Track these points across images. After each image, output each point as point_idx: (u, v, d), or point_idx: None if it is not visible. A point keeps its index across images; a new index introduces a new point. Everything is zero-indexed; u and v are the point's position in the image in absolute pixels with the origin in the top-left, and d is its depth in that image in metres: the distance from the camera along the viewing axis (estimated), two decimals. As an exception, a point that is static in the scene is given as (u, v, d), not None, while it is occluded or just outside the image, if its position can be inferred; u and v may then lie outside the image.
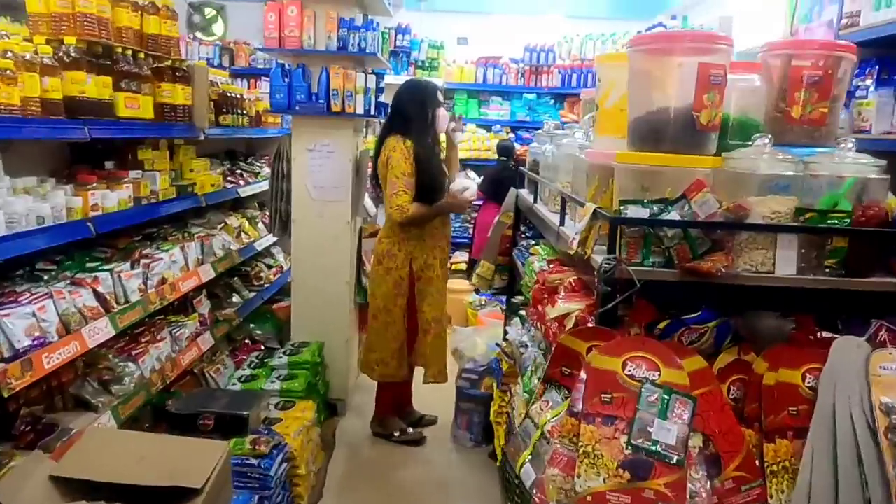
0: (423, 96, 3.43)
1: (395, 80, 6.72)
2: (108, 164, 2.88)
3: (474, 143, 6.67)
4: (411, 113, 3.39)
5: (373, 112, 3.66)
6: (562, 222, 2.09)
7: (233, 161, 4.53)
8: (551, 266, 2.22)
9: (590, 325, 1.52)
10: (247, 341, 4.21)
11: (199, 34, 7.07)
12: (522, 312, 2.98)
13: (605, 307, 1.41)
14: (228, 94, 3.94)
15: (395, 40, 6.72)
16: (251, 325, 4.34)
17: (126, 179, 2.80)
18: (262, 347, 4.22)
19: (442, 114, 3.50)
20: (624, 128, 1.65)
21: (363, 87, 3.57)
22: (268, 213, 3.99)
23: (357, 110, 3.58)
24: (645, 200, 1.44)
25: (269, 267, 4.70)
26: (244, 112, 4.15)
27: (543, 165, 2.71)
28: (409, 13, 6.97)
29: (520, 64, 6.77)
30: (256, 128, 4.50)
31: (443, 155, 3.66)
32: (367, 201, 4.14)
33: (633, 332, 1.44)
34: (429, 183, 3.36)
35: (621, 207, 1.44)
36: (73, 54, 2.39)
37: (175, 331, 3.13)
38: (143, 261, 2.81)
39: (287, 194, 3.78)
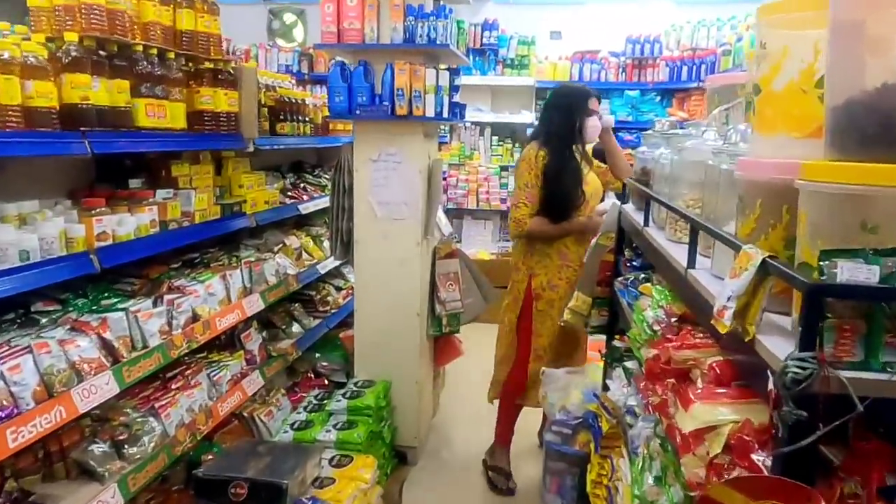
0: (570, 103, 3.12)
1: (481, 80, 6.20)
2: (134, 183, 2.48)
3: (569, 147, 6.00)
4: (554, 120, 3.12)
5: (445, 114, 3.11)
6: (691, 263, 1.45)
7: (298, 173, 4.12)
8: (673, 322, 1.57)
9: (759, 461, 0.88)
10: (310, 374, 3.76)
11: (279, 41, 6.82)
12: (629, 365, 2.32)
13: (796, 444, 0.77)
14: (287, 100, 3.51)
15: (482, 37, 6.16)
16: (316, 355, 3.89)
17: (149, 201, 2.39)
18: (326, 382, 3.76)
19: (592, 124, 3.12)
20: (811, 121, 1.00)
21: (433, 86, 3.03)
22: (329, 232, 3.53)
23: (426, 113, 3.04)
24: (869, 251, 0.79)
25: (339, 289, 4.24)
26: (307, 119, 3.72)
27: (658, 176, 2.06)
28: (497, 7, 6.39)
29: (621, 58, 6.03)
30: (323, 136, 4.07)
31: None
32: (441, 217, 3.59)
33: (849, 489, 0.79)
34: (558, 199, 3.06)
35: (823, 263, 0.80)
36: (73, 53, 1.99)
37: (214, 373, 2.70)
38: (168, 296, 2.39)
39: (349, 211, 3.29)
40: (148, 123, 2.29)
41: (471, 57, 6.18)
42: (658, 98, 5.97)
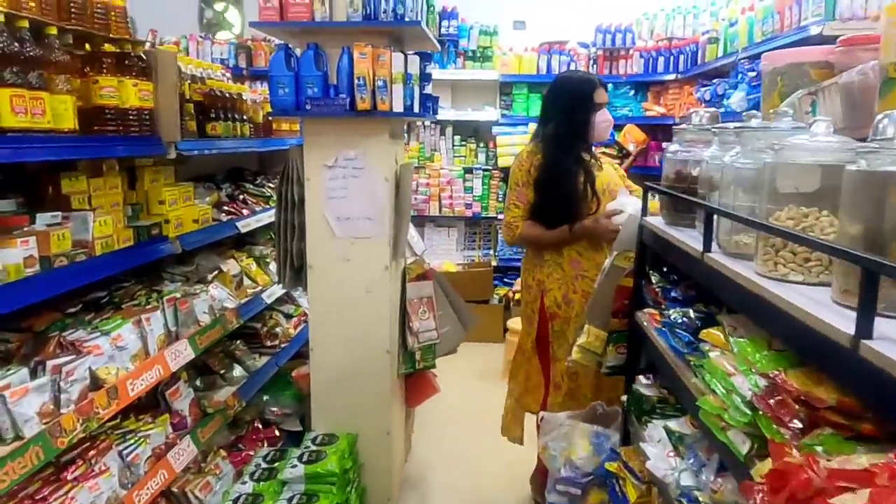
0: (571, 96, 2.71)
1: (440, 74, 5.62)
2: (2, 205, 1.82)
3: (537, 146, 5.51)
4: (554, 116, 2.74)
5: (416, 109, 2.54)
6: (864, 330, 0.92)
7: (236, 183, 3.47)
8: (799, 412, 1.04)
9: None
10: (257, 424, 3.13)
11: (220, 34, 6.09)
12: (675, 427, 1.80)
13: None
14: (219, 94, 2.87)
15: (440, 27, 5.61)
16: (264, 398, 3.27)
17: (23, 230, 1.74)
18: (277, 432, 3.14)
19: (602, 119, 2.74)
20: None
21: (401, 74, 2.45)
22: (274, 255, 2.90)
23: (394, 107, 2.46)
24: None
25: (288, 317, 3.62)
26: (245, 117, 3.08)
27: (723, 184, 1.53)
28: (455, -5, 5.85)
29: (591, 49, 5.58)
30: (266, 138, 3.44)
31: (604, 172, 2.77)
32: (413, 234, 3.01)
33: None
34: (553, 205, 2.69)
35: None
36: None
37: (129, 450, 2.06)
38: (53, 360, 1.74)
39: (300, 230, 2.68)
40: (16, 123, 1.64)
41: (428, 49, 5.61)
42: (632, 92, 5.54)
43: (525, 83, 5.68)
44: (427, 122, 5.76)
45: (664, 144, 5.28)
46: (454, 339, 3.16)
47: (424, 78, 2.60)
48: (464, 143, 5.84)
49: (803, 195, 1.28)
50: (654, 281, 2.07)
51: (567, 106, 2.68)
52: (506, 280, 5.78)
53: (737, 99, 3.54)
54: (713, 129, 1.72)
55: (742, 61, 3.64)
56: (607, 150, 4.86)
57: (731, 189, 1.49)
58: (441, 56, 5.69)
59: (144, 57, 2.24)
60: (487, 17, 5.75)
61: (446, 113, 5.70)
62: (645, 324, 2.04)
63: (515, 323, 4.66)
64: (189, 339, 2.35)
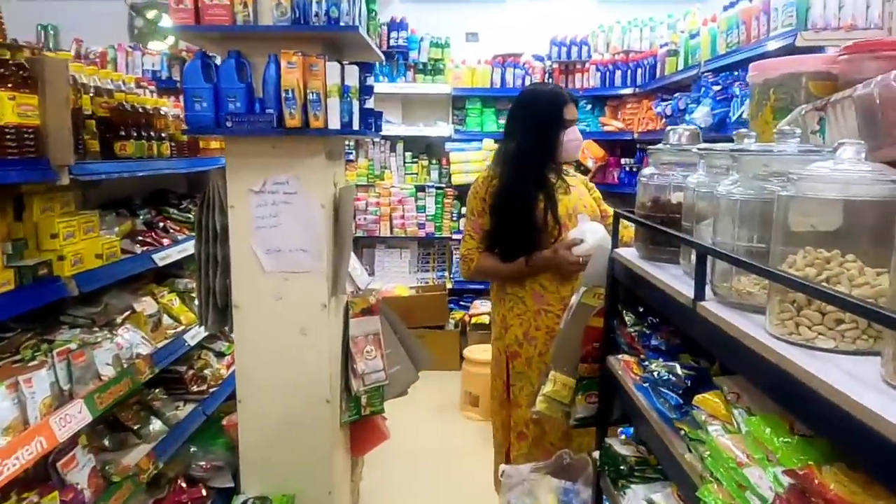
0: (539, 111, 2.46)
1: (390, 88, 5.35)
2: None
3: (493, 162, 5.26)
4: (517, 133, 2.47)
5: (356, 126, 2.23)
6: None
7: (159, 208, 3.10)
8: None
9: None
10: (181, 483, 2.74)
11: (151, 44, 5.67)
12: (658, 500, 1.53)
13: None
14: (130, 108, 2.51)
15: (389, 38, 5.33)
16: (192, 449, 2.88)
17: None
18: (204, 492, 2.76)
19: (571, 137, 2.48)
20: None
21: (337, 86, 2.15)
22: (196, 294, 2.55)
23: (330, 124, 2.15)
24: None
25: (220, 356, 3.25)
26: (163, 135, 2.72)
27: (720, 216, 1.27)
28: (404, 5, 5.57)
29: (546, 62, 5.37)
30: (192, 157, 3.08)
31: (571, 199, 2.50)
32: (356, 266, 2.70)
33: None
34: (510, 231, 2.43)
35: None
36: None
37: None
38: None
39: (223, 264, 2.34)
40: None
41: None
42: (589, 106, 5.35)
43: (478, 97, 5.44)
44: (377, 139, 5.45)
45: (623, 161, 5.12)
46: (405, 380, 2.85)
47: (365, 91, 2.30)
48: (415, 159, 5.55)
49: (820, 234, 1.03)
50: (628, 322, 1.80)
51: (533, 122, 2.43)
52: (461, 303, 5.49)
53: (701, 114, 3.34)
54: (698, 151, 1.47)
55: (705, 74, 3.46)
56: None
57: (726, 223, 1.23)
58: (390, 69, 5.40)
59: (27, 65, 1.88)
60: (438, 29, 5.50)
61: (397, 128, 5.42)
62: (619, 372, 1.77)
63: (473, 352, 4.38)
64: (86, 398, 1.98)
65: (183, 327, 2.77)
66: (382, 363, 2.71)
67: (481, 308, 5.24)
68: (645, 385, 1.52)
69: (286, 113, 2.11)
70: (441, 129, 5.43)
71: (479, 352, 4.35)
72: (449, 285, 5.42)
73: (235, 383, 2.42)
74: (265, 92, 2.14)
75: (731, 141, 1.60)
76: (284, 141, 2.21)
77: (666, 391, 1.41)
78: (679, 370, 1.41)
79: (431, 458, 3.72)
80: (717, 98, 3.29)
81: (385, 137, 5.45)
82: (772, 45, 2.69)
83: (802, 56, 1.51)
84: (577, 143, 2.50)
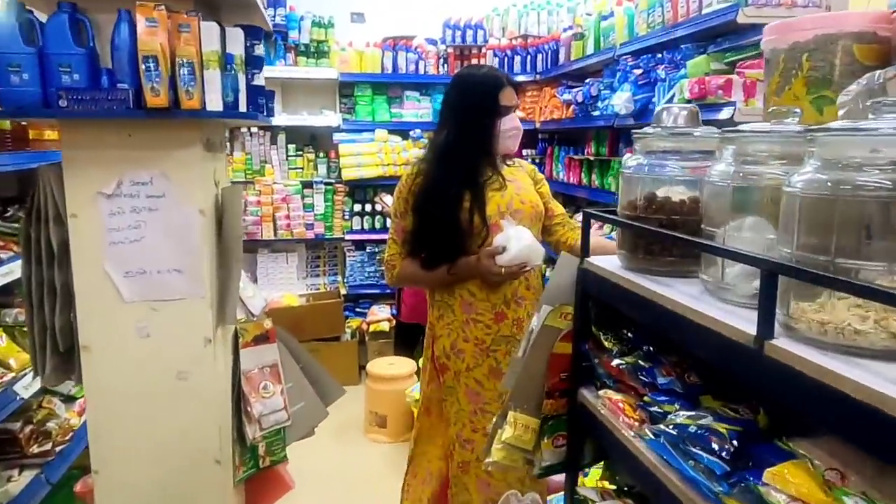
0: (471, 97, 2.08)
1: (267, 72, 4.72)
2: None
3: (386, 156, 4.82)
4: (448, 123, 2.11)
5: (243, 106, 1.72)
6: None
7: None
8: None
9: None
10: (18, 576, 2.10)
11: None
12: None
13: None
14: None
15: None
16: (33, 526, 2.23)
17: None
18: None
19: (510, 126, 2.11)
20: None
21: (218, 55, 1.62)
22: (29, 335, 1.90)
23: (209, 104, 1.63)
24: None
25: (69, 401, 2.59)
26: (-28, 122, 2.05)
27: (786, 219, 0.93)
28: (281, -20, 4.98)
29: (440, 46, 4.99)
30: (17, 151, 2.39)
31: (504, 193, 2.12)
32: (247, 286, 2.16)
33: None
34: (431, 234, 2.08)
35: None
36: None
37: None
38: None
39: (63, 293, 1.74)
40: None
41: (251, 41, 4.69)
42: (487, 94, 5.02)
43: (368, 83, 4.96)
44: (255, 129, 4.82)
45: (525, 152, 4.85)
46: (311, 419, 2.37)
47: (253, 63, 1.79)
48: (300, 152, 4.98)
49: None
50: (609, 348, 1.45)
51: (464, 110, 2.07)
52: (358, 309, 5.02)
53: (621, 100, 3.10)
54: (724, 134, 1.13)
55: (624, 58, 3.21)
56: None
57: (804, 228, 0.89)
58: (267, 51, 4.78)
59: None
60: (320, 7, 4.96)
61: (278, 118, 4.82)
62: (602, 412, 1.41)
63: (376, 366, 3.93)
64: None
65: (13, 374, 2.11)
66: (283, 400, 2.23)
67: (380, 314, 4.80)
68: (660, 441, 1.16)
69: (146, 88, 1.55)
70: (328, 118, 4.90)
71: (383, 366, 3.91)
72: (343, 291, 4.92)
73: (90, 447, 1.83)
74: (115, 60, 1.58)
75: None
76: (145, 126, 1.66)
77: (701, 453, 1.05)
78: (717, 424, 1.07)
79: (334, 489, 3.26)
80: (639, 83, 3.06)
81: (263, 128, 4.84)
82: (707, 24, 2.46)
83: (842, 13, 1.21)
84: (517, 133, 2.14)
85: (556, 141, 4.62)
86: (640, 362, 1.32)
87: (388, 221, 4.79)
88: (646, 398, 1.28)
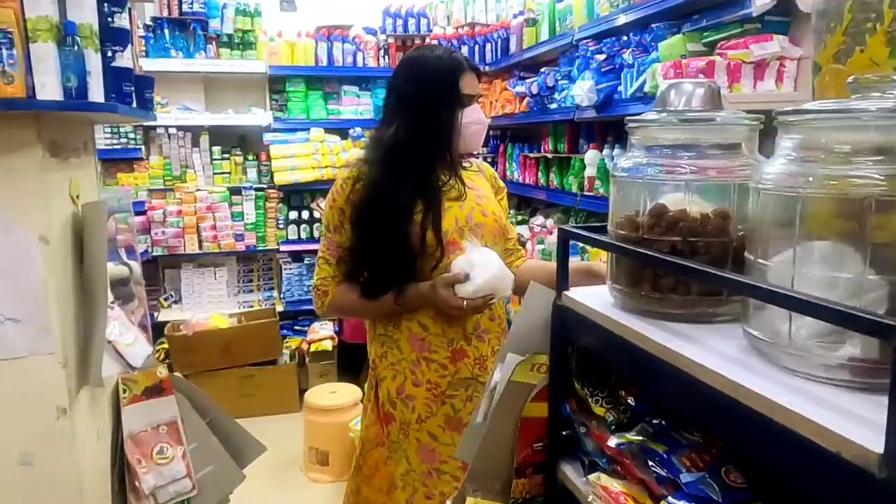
0: (420, 85, 1.67)
1: (185, 65, 4.22)
2: None
3: (323, 157, 4.36)
4: (397, 116, 1.69)
5: (96, 95, 1.26)
6: None
7: None
8: None
9: None
10: None
11: None
12: None
13: None
14: None
15: (180, 2, 4.20)
16: None
17: None
18: None
19: (472, 121, 1.71)
20: None
21: (51, 24, 1.17)
22: None
23: (40, 90, 1.17)
24: None
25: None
26: None
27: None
28: (199, -37, 4.46)
29: (380, 36, 4.57)
30: None
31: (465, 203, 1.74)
32: (122, 329, 1.69)
33: None
34: (374, 254, 1.68)
35: None
36: None
37: None
38: None
39: None
40: None
41: (165, 31, 4.19)
42: (432, 88, 4.62)
43: (301, 77, 4.49)
44: (173, 130, 4.30)
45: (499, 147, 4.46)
46: (225, 483, 1.91)
47: (115, 37, 1.33)
48: (226, 155, 4.47)
49: None
50: (599, 412, 1.07)
51: (415, 100, 1.66)
52: (297, 328, 4.54)
53: (582, 90, 2.73)
54: (782, 118, 0.74)
55: (584, 43, 2.85)
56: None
57: None
58: (185, 41, 4.27)
59: None
60: (245, -7, 4.46)
61: (200, 117, 4.32)
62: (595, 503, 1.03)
63: (317, 395, 3.47)
64: None
65: None
66: (186, 466, 1.78)
67: (321, 332, 4.33)
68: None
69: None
70: (257, 116, 4.41)
71: (324, 395, 3.46)
72: (280, 308, 4.43)
73: None
74: None
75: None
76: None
77: None
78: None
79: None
80: (603, 70, 2.70)
81: (183, 128, 4.32)
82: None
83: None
84: (481, 129, 1.75)
85: (508, 138, 4.25)
86: (651, 445, 0.94)
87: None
88: (657, 494, 0.89)
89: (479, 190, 1.80)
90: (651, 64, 2.34)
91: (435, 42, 4.52)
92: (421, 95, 1.66)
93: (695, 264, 0.82)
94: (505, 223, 1.84)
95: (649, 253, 0.88)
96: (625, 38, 2.62)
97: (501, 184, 1.94)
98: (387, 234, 1.65)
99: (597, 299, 1.07)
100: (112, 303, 1.56)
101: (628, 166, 0.99)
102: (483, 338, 1.73)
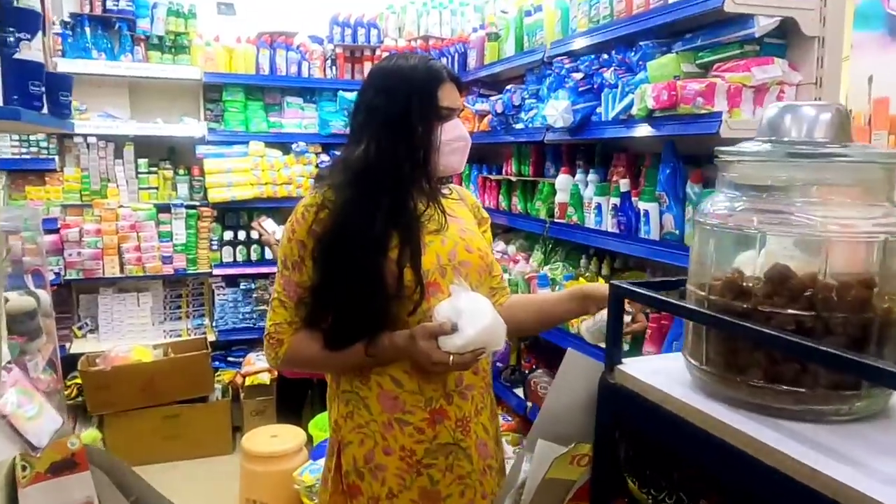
0: (393, 97, 1.42)
1: (109, 68, 3.81)
2: None
3: (263, 173, 4.00)
4: (364, 133, 1.43)
5: (-11, 96, 0.94)
6: None
7: None
8: None
9: None
10: None
11: None
12: None
13: None
14: None
15: (104, 1, 3.79)
16: None
17: None
18: None
19: (452, 137, 1.45)
20: None
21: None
22: None
23: None
24: None
25: None
26: None
27: None
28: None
29: (327, 45, 4.27)
30: None
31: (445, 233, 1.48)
32: (29, 398, 1.33)
33: None
34: (340, 296, 1.39)
35: None
36: None
37: None
38: None
39: None
40: None
41: (86, 29, 3.76)
42: (382, 103, 4.36)
43: (240, 86, 4.14)
44: (93, 139, 3.85)
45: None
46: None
47: (16, 19, 1.01)
48: (154, 169, 4.06)
49: None
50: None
51: (390, 114, 1.40)
52: (231, 359, 4.15)
53: (557, 110, 2.53)
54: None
55: (559, 60, 2.66)
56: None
57: None
58: (109, 42, 3.86)
59: None
60: (179, -7, 4.09)
61: (124, 125, 3.90)
62: None
63: (255, 440, 3.10)
64: None
65: None
66: (102, 558, 1.43)
67: (258, 364, 3.95)
68: None
69: None
70: (189, 127, 4.02)
71: (264, 439, 3.09)
72: (212, 337, 4.03)
73: None
74: None
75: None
76: None
77: None
78: None
79: None
80: (579, 89, 2.51)
81: (104, 137, 3.88)
82: (687, 12, 1.94)
83: None
84: (464, 146, 1.50)
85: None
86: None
87: (267, 251, 4.09)
88: None
89: (461, 221, 1.55)
90: (639, 84, 2.16)
91: (385, 54, 4.28)
92: (393, 109, 1.40)
93: (853, 355, 0.59)
94: (491, 259, 1.59)
95: (777, 334, 0.65)
96: (605, 56, 2.43)
97: (485, 213, 1.70)
98: (356, 271, 1.37)
99: (664, 377, 0.83)
100: (8, 363, 1.22)
101: (720, 210, 0.76)
102: (466, 395, 1.46)
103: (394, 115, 1.38)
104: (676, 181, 2.15)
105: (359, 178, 1.39)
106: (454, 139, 1.44)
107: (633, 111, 2.17)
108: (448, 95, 1.43)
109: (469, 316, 1.32)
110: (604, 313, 1.31)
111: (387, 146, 1.37)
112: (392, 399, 1.42)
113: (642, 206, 2.24)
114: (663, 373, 0.84)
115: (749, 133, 1.92)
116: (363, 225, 1.36)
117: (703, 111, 1.91)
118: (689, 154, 2.19)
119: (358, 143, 1.41)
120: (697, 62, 2.06)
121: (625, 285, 0.86)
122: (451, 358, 1.32)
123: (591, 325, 1.64)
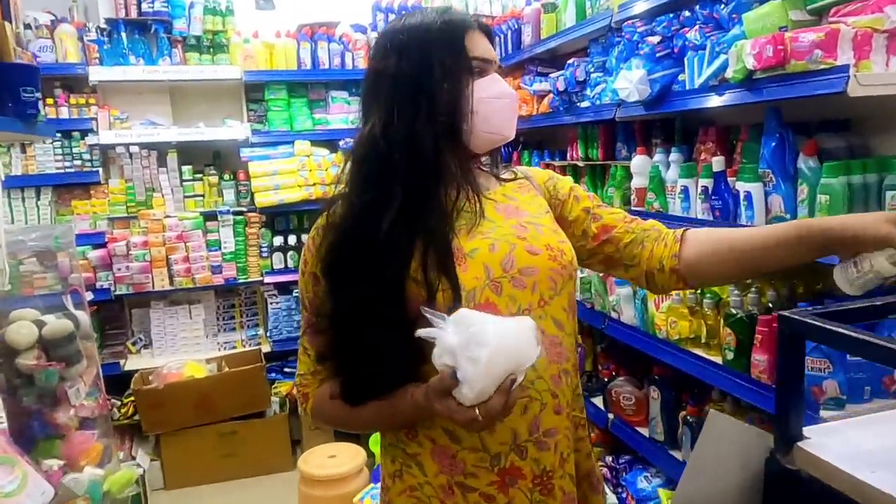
0: (407, 54, 1.04)
1: (148, 73, 3.66)
2: None
3: (311, 174, 3.79)
4: (380, 104, 1.06)
5: None
6: None
7: None
8: None
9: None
10: None
11: None
12: None
13: None
14: None
15: (139, 2, 3.65)
16: None
17: None
18: None
19: (489, 95, 1.07)
20: None
21: None
22: None
23: None
24: None
25: None
26: None
27: None
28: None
29: (370, 34, 4.03)
30: None
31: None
32: (9, 468, 1.11)
33: None
34: (350, 337, 1.03)
35: None
36: None
37: None
38: None
39: None
40: None
41: (122, 34, 3.63)
42: (432, 91, 4.08)
43: (282, 83, 3.93)
44: (136, 149, 3.72)
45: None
46: None
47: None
48: (198, 175, 3.90)
49: None
50: None
51: (403, 74, 1.06)
52: (287, 369, 3.96)
53: (630, 82, 2.19)
54: None
55: (630, 23, 2.31)
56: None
57: None
58: (146, 46, 3.71)
59: None
60: (215, -10, 3.91)
61: (165, 132, 3.75)
62: None
63: (313, 461, 2.89)
64: None
65: None
66: None
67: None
68: None
69: None
70: (233, 129, 3.84)
71: (321, 460, 2.88)
72: (266, 348, 3.86)
73: None
74: None
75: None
76: None
77: None
78: None
79: None
80: (657, 55, 2.16)
81: (147, 145, 3.75)
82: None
83: None
84: (508, 105, 1.13)
85: (522, 144, 3.70)
86: None
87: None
88: None
89: (523, 213, 1.16)
90: (732, 42, 1.80)
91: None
92: (407, 67, 1.06)
93: None
94: (572, 255, 1.15)
95: None
96: (686, 13, 2.08)
97: (563, 182, 1.27)
98: (361, 297, 1.03)
99: (875, 460, 0.51)
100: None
101: None
102: (545, 444, 1.09)
103: (409, 74, 1.05)
104: (785, 155, 1.78)
105: (362, 167, 1.09)
106: (495, 96, 1.10)
107: (728, 74, 1.81)
108: (479, 44, 1.10)
109: (466, 351, 0.91)
110: (877, 259, 0.93)
111: (402, 116, 1.05)
112: (449, 458, 1.08)
113: (741, 186, 1.88)
114: (868, 452, 0.53)
115: (883, 90, 1.56)
116: (367, 230, 1.04)
117: (823, 66, 1.54)
118: (794, 122, 1.83)
119: (365, 123, 1.10)
120: (808, 7, 1.68)
121: (808, 320, 0.54)
122: (479, 411, 0.93)
123: (854, 275, 1.01)
